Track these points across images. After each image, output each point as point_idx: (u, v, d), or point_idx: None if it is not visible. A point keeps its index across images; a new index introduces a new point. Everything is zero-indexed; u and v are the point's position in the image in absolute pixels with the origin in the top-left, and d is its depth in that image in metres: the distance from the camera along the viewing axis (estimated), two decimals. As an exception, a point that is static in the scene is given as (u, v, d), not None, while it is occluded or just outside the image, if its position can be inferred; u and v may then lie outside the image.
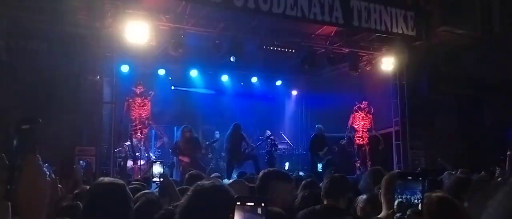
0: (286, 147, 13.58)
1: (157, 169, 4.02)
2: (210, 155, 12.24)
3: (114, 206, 2.46)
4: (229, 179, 9.09)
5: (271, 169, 3.16)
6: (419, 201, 1.80)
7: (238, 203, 1.27)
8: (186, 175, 5.27)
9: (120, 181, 2.67)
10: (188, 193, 1.98)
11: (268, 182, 2.72)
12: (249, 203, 1.27)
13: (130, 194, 2.65)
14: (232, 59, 10.34)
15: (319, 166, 11.27)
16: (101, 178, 2.84)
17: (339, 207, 3.39)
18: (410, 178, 1.84)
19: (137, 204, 3.06)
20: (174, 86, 12.94)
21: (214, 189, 1.95)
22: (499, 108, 13.25)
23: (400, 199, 1.80)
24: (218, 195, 1.88)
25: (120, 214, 2.50)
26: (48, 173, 1.63)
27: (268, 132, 12.17)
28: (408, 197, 1.77)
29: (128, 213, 2.55)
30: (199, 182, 2.02)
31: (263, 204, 1.27)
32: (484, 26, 13.63)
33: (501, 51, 12.66)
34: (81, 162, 7.97)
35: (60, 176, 4.00)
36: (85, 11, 9.25)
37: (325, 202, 3.43)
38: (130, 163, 10.05)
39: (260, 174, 2.94)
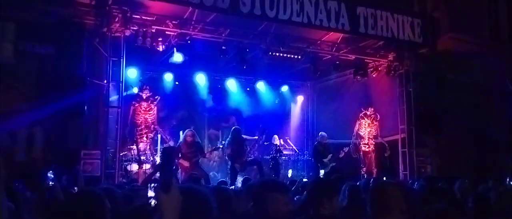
0: (291, 153, 13.54)
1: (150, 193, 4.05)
2: (215, 160, 12.24)
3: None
4: (233, 185, 9.09)
5: (267, 179, 3.11)
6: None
7: None
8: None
9: (96, 191, 2.57)
10: None
11: (263, 193, 2.66)
12: None
13: (107, 204, 2.54)
14: (244, 67, 10.44)
15: (321, 172, 11.22)
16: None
17: (322, 213, 3.14)
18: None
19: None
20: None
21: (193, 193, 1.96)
22: (507, 116, 13.15)
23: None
24: (193, 199, 1.89)
25: None
26: None
27: (276, 138, 12.15)
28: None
29: None
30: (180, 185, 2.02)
31: None
32: (491, 33, 13.56)
33: (509, 58, 12.58)
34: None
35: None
36: (92, 16, 9.32)
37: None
38: (135, 167, 10.07)
39: (255, 184, 2.89)
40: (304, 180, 7.58)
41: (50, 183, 7.14)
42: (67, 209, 2.54)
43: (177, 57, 10.06)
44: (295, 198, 4.80)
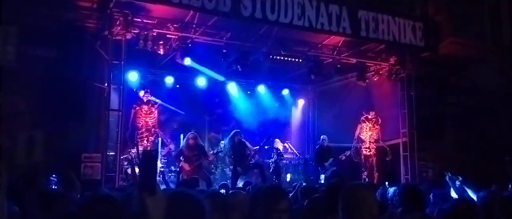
0: (292, 156, 13.50)
1: None
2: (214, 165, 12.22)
3: None
4: (235, 189, 9.06)
5: (266, 185, 3.06)
6: None
7: None
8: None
9: (111, 197, 2.52)
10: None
11: (258, 201, 2.62)
12: None
13: (121, 208, 2.49)
14: (245, 69, 10.45)
15: (322, 177, 11.18)
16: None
17: None
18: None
19: None
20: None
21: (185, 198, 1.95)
22: (509, 119, 13.09)
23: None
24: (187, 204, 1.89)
25: None
26: None
27: (277, 141, 12.12)
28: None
29: None
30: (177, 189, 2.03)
31: None
32: (493, 38, 13.52)
33: (511, 62, 12.54)
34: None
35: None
36: (93, 19, 9.33)
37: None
38: (136, 170, 10.05)
39: (251, 191, 2.87)
40: (304, 184, 7.56)
41: (53, 187, 7.13)
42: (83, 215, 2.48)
43: (186, 61, 10.08)
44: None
